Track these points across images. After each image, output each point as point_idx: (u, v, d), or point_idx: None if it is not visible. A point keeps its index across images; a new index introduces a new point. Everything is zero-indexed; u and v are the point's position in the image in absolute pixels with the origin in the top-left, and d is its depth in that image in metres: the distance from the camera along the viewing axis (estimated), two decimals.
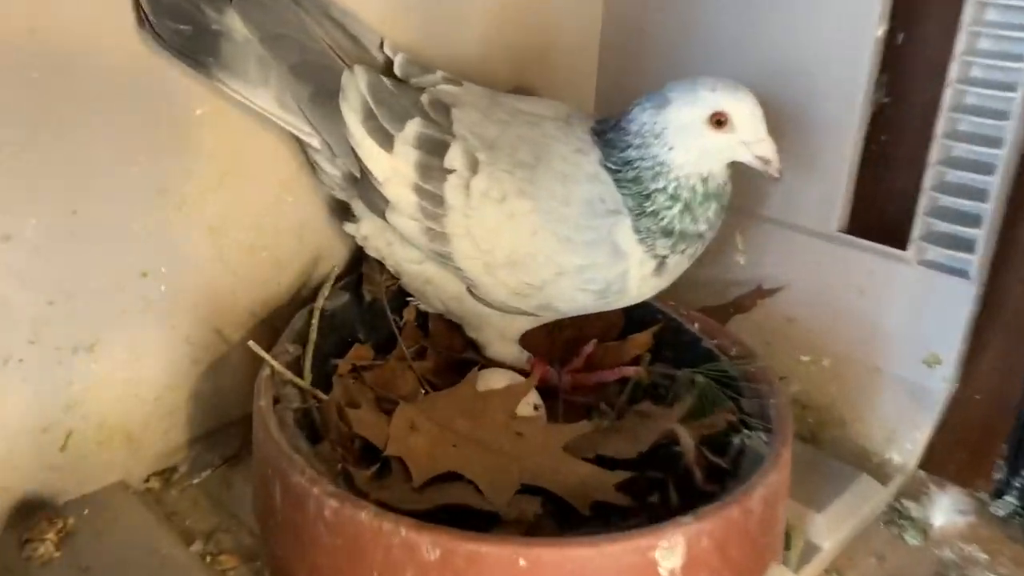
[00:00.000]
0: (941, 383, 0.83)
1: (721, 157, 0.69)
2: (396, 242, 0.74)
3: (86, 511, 0.70)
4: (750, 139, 0.69)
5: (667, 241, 0.70)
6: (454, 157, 0.69)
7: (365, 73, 0.70)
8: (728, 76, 0.70)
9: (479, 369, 0.76)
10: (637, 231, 0.69)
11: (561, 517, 0.64)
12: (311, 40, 0.70)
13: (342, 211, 0.77)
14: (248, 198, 0.74)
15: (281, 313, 0.78)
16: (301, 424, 0.66)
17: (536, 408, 0.74)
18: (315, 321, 0.74)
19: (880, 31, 0.80)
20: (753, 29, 0.87)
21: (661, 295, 0.77)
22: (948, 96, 0.77)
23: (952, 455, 0.83)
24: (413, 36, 0.79)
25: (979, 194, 0.78)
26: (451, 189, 0.69)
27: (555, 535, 0.62)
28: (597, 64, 1.01)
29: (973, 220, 0.78)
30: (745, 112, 0.68)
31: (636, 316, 0.82)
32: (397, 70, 0.73)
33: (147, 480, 0.76)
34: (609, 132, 0.71)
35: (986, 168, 0.77)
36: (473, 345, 0.80)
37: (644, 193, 0.69)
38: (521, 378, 0.76)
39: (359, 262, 0.80)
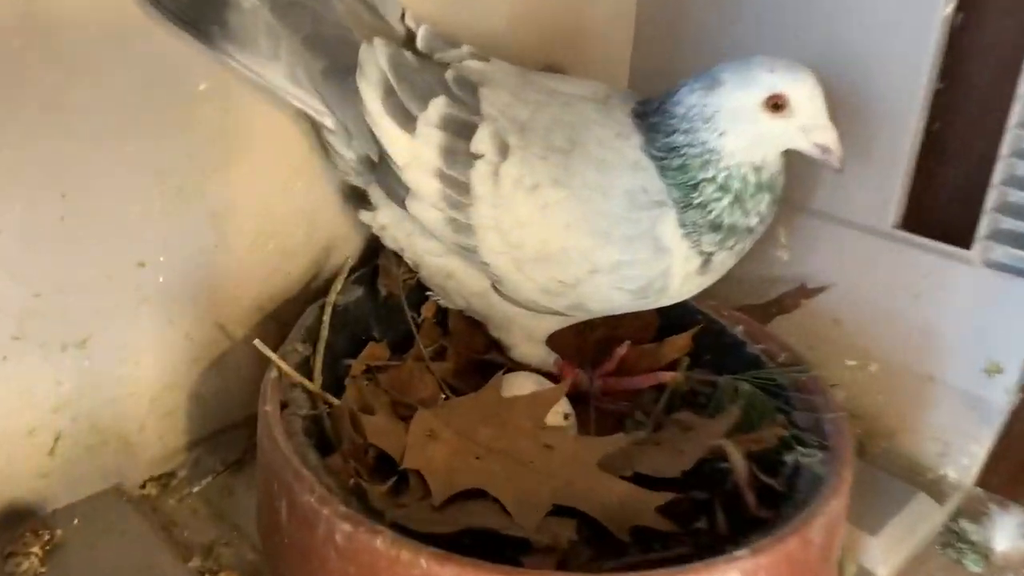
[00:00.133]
0: (1002, 394, 0.77)
1: (776, 144, 0.64)
2: (416, 233, 0.69)
3: (76, 521, 0.66)
4: (810, 125, 0.63)
5: (714, 236, 0.65)
6: (482, 140, 0.64)
7: (385, 46, 0.65)
8: (766, 57, 0.64)
9: (504, 372, 0.71)
10: (682, 225, 0.64)
11: (596, 542, 0.58)
12: (326, 8, 0.65)
13: (357, 198, 0.73)
14: (255, 182, 0.71)
15: (289, 308, 0.75)
16: (310, 432, 0.62)
17: (566, 417, 0.69)
18: (326, 318, 0.70)
19: (948, 9, 0.74)
20: (803, 5, 0.82)
21: (700, 293, 0.71)
22: None
23: (1015, 472, 0.78)
24: (437, 7, 0.75)
25: None
26: (478, 176, 0.64)
27: (591, 565, 0.56)
28: (632, 42, 0.95)
29: None
30: (805, 95, 0.63)
31: (673, 316, 0.77)
32: (420, 43, 0.69)
33: (143, 486, 0.72)
34: (652, 115, 0.65)
35: None
36: (496, 345, 0.76)
37: (691, 183, 0.64)
38: (549, 383, 0.71)
39: (375, 253, 0.76)
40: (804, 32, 0.81)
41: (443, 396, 0.72)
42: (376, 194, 0.70)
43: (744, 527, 0.58)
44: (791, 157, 0.66)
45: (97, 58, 0.60)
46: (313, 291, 0.76)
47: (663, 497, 0.59)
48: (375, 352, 0.72)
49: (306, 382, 0.64)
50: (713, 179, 0.63)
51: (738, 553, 0.51)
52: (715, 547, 0.55)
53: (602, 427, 0.71)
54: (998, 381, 0.77)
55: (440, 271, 0.71)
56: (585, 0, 0.90)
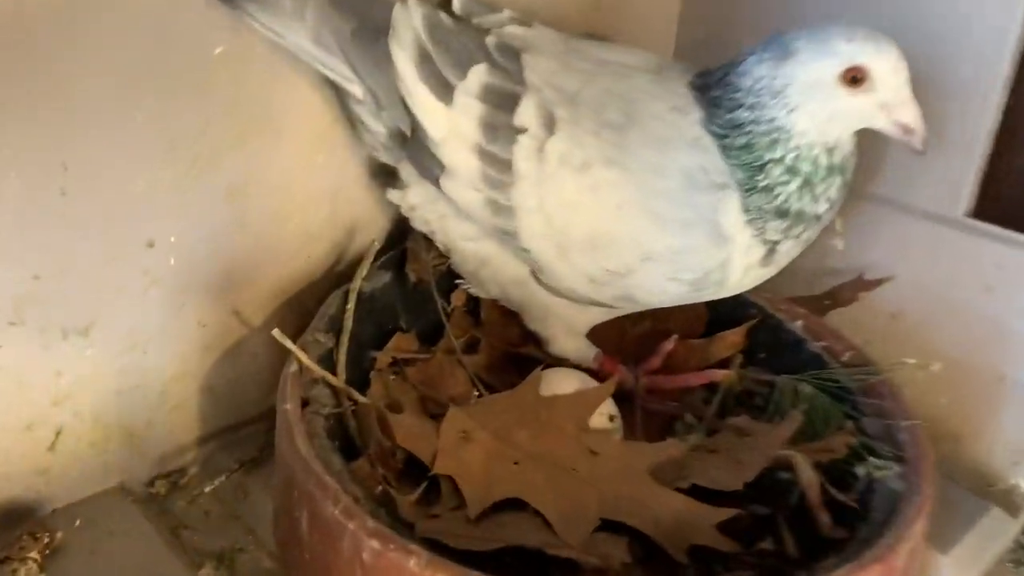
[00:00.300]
0: None
1: (852, 122, 0.59)
2: (449, 215, 0.65)
3: (77, 522, 0.63)
4: (891, 101, 0.58)
5: (780, 223, 0.59)
6: (526, 113, 0.60)
7: (420, 7, 0.61)
8: (843, 25, 0.59)
9: (542, 368, 0.66)
10: (745, 210, 0.59)
11: (648, 563, 0.53)
12: None
13: (385, 175, 0.69)
14: (274, 156, 0.67)
15: (310, 293, 0.71)
16: (333, 433, 0.57)
17: (611, 419, 0.64)
18: (351, 305, 0.65)
19: None
20: None
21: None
22: None
23: None
24: None
25: None
26: (522, 152, 0.59)
27: None
28: (680, 7, 0.90)
29: None
30: (888, 68, 0.57)
31: (724, 309, 0.72)
32: (457, 6, 0.65)
33: (151, 485, 0.68)
34: (714, 88, 0.60)
35: None
36: (532, 338, 0.71)
37: (757, 164, 0.58)
38: (592, 380, 0.66)
39: (403, 236, 0.72)
40: (874, 1, 0.75)
41: (475, 393, 0.67)
42: (407, 171, 0.65)
43: (815, 549, 0.53)
44: None
45: (102, 16, 0.55)
46: (336, 276, 0.73)
47: (724, 513, 0.54)
48: (402, 343, 0.68)
49: (329, 376, 0.60)
50: (781, 160, 0.58)
51: None
52: (784, 571, 0.51)
53: (649, 430, 0.66)
54: None
55: (474, 256, 0.66)
56: None
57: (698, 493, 0.56)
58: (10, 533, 0.59)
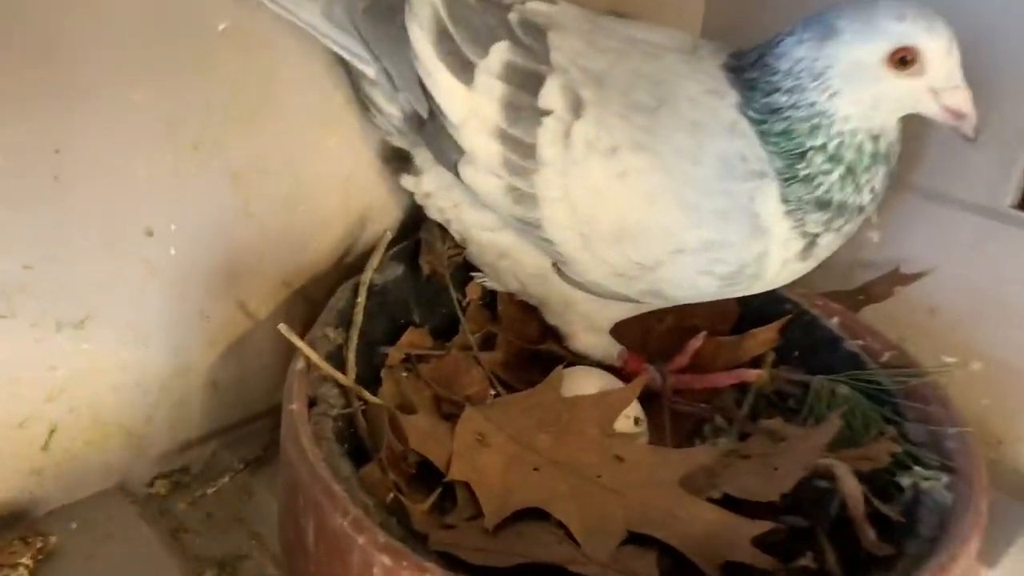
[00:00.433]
0: None
1: (899, 108, 0.56)
2: (466, 203, 0.62)
3: (73, 525, 0.60)
4: (942, 85, 0.54)
5: (821, 215, 0.56)
6: (552, 94, 0.57)
7: None
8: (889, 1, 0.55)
9: (564, 367, 0.63)
10: (785, 200, 0.56)
11: None
12: None
13: (399, 161, 0.67)
14: (281, 140, 0.64)
15: (319, 285, 0.69)
16: (342, 435, 0.54)
17: (637, 422, 0.61)
18: (361, 299, 0.63)
19: None
20: None
21: None
22: None
23: None
24: None
25: None
26: (546, 136, 0.56)
27: None
28: None
29: None
30: (941, 49, 0.54)
31: (755, 304, 0.68)
32: None
33: (151, 484, 0.66)
34: (749, 70, 0.57)
35: None
36: (553, 334, 0.68)
37: (797, 152, 0.55)
38: (616, 380, 0.63)
39: (417, 225, 0.70)
40: None
41: (492, 392, 0.64)
42: (422, 156, 0.63)
43: (857, 566, 0.49)
44: None
45: None
46: (346, 267, 0.70)
47: (760, 526, 0.50)
48: (415, 339, 0.66)
49: (338, 375, 0.57)
50: (823, 147, 0.55)
51: None
52: None
53: (676, 433, 0.63)
54: None
55: (492, 248, 0.63)
56: None
57: (729, 502, 0.53)
58: (1, 538, 0.56)
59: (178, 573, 0.57)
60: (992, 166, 0.71)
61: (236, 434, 0.69)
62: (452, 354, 0.65)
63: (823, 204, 0.56)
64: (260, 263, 0.67)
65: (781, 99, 0.55)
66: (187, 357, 0.65)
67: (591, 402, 0.59)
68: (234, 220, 0.64)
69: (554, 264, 0.61)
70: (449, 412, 0.60)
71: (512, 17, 0.58)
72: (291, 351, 0.58)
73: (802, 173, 0.55)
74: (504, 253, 0.63)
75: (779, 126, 0.55)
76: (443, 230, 0.66)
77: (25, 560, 0.55)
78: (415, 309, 0.67)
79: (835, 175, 0.55)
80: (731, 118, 0.56)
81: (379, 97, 0.61)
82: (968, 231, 0.74)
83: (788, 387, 0.65)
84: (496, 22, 0.57)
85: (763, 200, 0.55)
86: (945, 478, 0.53)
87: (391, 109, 0.61)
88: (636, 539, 0.50)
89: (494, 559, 0.48)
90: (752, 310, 0.69)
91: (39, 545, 0.57)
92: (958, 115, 0.55)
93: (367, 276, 0.64)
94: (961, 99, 0.55)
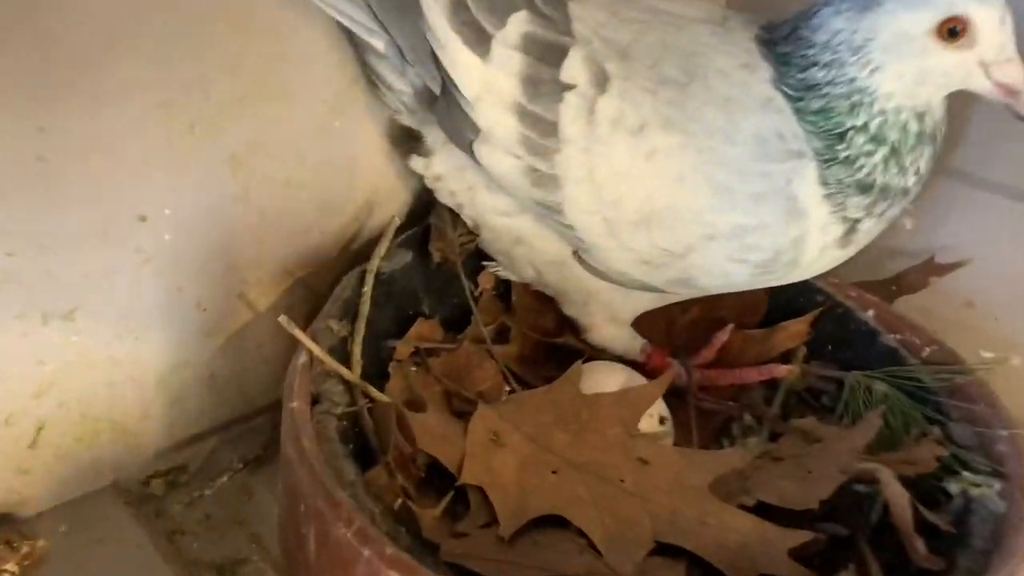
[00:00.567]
0: None
1: (947, 84, 0.53)
2: (480, 185, 0.59)
3: (63, 528, 0.59)
4: (994, 59, 0.51)
5: (863, 199, 0.53)
6: (574, 67, 0.53)
7: None
8: None
9: (583, 361, 0.60)
10: (824, 183, 0.53)
11: None
12: None
13: (409, 141, 0.64)
14: (283, 120, 0.62)
15: (323, 274, 0.66)
16: (346, 436, 0.51)
17: (662, 421, 0.58)
18: (368, 288, 0.60)
19: None
20: None
21: None
22: None
23: None
24: None
25: None
26: (568, 112, 0.53)
27: None
28: None
29: None
30: (994, 19, 0.50)
31: (785, 295, 0.65)
32: None
33: (146, 484, 0.63)
34: (782, 43, 0.54)
35: None
36: (570, 326, 0.65)
37: (837, 132, 0.52)
38: (638, 376, 0.60)
39: (426, 211, 0.67)
40: None
41: (507, 388, 0.61)
42: (433, 136, 0.60)
43: None
44: None
45: None
46: (352, 255, 0.68)
47: (798, 536, 0.47)
48: (425, 331, 0.63)
49: (343, 370, 0.54)
50: (865, 127, 0.52)
51: None
52: None
53: (702, 433, 0.60)
54: None
55: (507, 234, 0.60)
56: None
57: (761, 508, 0.50)
58: None
59: None
60: None
61: (235, 431, 0.67)
62: (464, 347, 0.62)
63: (865, 187, 0.52)
64: (260, 251, 0.64)
65: (818, 75, 0.52)
66: (183, 350, 0.63)
67: (613, 400, 0.56)
68: (233, 205, 0.62)
69: (574, 251, 0.59)
70: (460, 409, 0.57)
71: None
72: (292, 345, 0.56)
73: (842, 155, 0.52)
74: (520, 239, 0.60)
75: (816, 104, 0.52)
76: (454, 215, 0.63)
77: (11, 566, 0.53)
78: (424, 299, 0.65)
79: (878, 156, 0.52)
80: (766, 93, 0.53)
81: (387, 72, 0.58)
82: (1009, 219, 0.71)
83: (820, 384, 0.62)
84: None
85: (801, 182, 0.52)
86: (997, 484, 0.50)
87: (400, 85, 0.58)
88: (663, 549, 0.47)
89: (510, 571, 0.45)
90: (781, 301, 0.66)
91: (26, 550, 0.55)
92: (1011, 91, 0.51)
93: (374, 264, 0.61)
94: (1016, 74, 0.51)
